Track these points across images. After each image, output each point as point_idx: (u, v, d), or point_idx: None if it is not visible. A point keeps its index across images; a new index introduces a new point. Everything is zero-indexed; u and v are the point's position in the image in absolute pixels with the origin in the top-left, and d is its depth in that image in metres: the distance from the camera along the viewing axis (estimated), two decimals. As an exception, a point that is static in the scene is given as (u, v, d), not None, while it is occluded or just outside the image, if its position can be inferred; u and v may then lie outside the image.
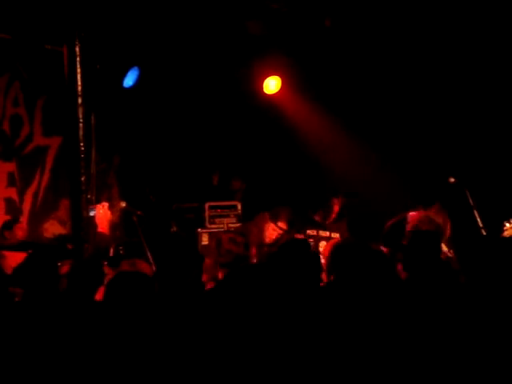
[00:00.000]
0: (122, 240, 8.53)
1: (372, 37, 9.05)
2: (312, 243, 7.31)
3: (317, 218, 7.71)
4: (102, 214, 5.72)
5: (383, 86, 9.39)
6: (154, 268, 6.39)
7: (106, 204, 5.81)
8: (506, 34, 8.39)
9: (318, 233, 7.59)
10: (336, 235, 7.56)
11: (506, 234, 6.87)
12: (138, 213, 8.15)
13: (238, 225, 8.54)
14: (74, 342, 3.88)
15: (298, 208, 8.18)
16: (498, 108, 8.87)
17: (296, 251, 4.70)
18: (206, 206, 9.18)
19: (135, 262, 4.56)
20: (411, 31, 8.77)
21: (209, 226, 9.04)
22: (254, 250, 7.09)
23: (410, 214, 6.78)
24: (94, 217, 5.76)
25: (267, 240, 7.44)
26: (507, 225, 6.81)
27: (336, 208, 7.81)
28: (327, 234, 7.61)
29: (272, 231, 7.41)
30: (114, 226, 8.36)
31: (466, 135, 9.09)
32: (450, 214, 7.64)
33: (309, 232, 7.56)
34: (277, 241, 7.35)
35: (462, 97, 9.02)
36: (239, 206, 9.13)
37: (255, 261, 6.90)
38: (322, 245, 7.43)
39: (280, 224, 7.41)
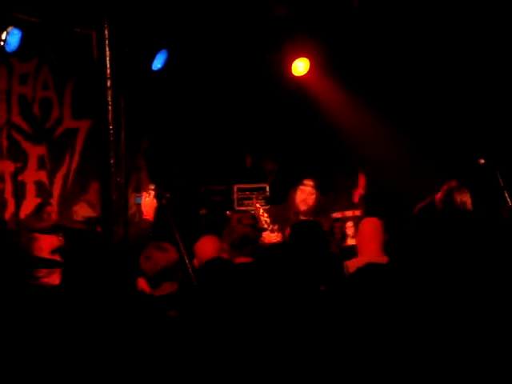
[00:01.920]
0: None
1: (400, 18, 8.98)
2: (338, 226, 7.32)
3: (343, 199, 7.71)
4: (148, 202, 5.97)
5: (411, 67, 9.32)
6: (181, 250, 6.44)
7: (152, 192, 5.97)
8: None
9: (343, 214, 7.57)
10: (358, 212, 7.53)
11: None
12: (167, 195, 8.19)
13: (266, 207, 8.55)
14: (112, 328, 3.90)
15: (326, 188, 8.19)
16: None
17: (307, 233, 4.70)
18: (235, 188, 9.20)
19: (160, 245, 4.59)
20: (440, 15, 8.70)
21: (237, 208, 9.06)
22: (287, 232, 7.15)
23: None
24: (140, 204, 5.91)
25: (302, 207, 7.45)
26: None
27: (362, 183, 7.80)
28: (351, 213, 7.58)
29: (301, 194, 7.46)
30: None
31: (496, 117, 9.02)
32: (480, 195, 7.64)
33: (335, 215, 7.55)
34: (314, 205, 7.40)
35: (492, 80, 8.94)
36: (268, 188, 9.14)
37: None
38: (349, 225, 7.41)
39: (306, 182, 7.45)
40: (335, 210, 7.59)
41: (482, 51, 8.89)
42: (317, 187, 7.55)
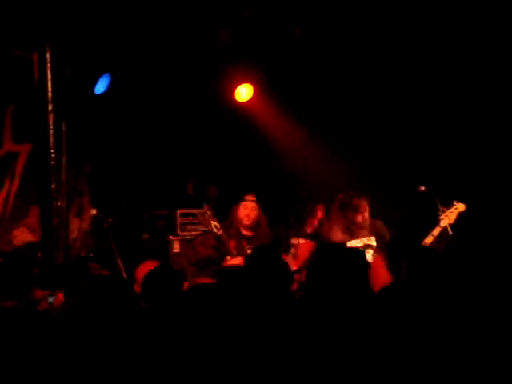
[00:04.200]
0: (93, 247, 8.50)
1: (342, 45, 9.11)
2: (293, 252, 7.35)
3: (300, 226, 7.75)
4: None
5: (353, 93, 9.44)
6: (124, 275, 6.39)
7: None
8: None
9: (298, 241, 7.61)
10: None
11: (442, 224, 7.06)
12: (109, 220, 8.15)
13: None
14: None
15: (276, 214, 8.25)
16: (468, 116, 8.96)
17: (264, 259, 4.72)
18: (178, 213, 9.17)
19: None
20: (380, 40, 8.85)
21: (180, 233, 9.03)
22: (232, 244, 7.19)
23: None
24: None
25: (245, 221, 7.52)
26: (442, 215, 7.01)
27: (320, 215, 7.86)
28: (297, 240, 7.62)
29: (244, 209, 7.53)
30: (84, 234, 8.36)
31: (438, 144, 9.17)
32: (420, 221, 7.77)
33: (293, 241, 7.58)
34: (257, 220, 7.47)
35: (432, 106, 9.09)
36: (210, 213, 9.11)
37: (235, 253, 7.00)
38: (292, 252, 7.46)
39: (248, 197, 7.51)
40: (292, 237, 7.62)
41: (416, 83, 9.06)
42: (259, 202, 7.65)
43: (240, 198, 7.72)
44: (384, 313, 3.96)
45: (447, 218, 7.23)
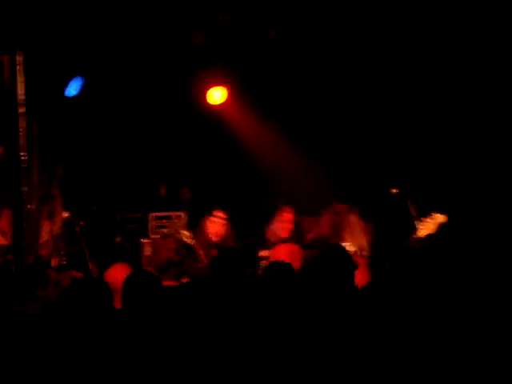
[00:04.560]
0: (65, 250, 8.46)
1: (316, 48, 9.14)
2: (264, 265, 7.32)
3: (269, 236, 7.74)
4: None
5: (326, 95, 9.47)
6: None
7: None
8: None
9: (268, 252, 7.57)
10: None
11: (420, 233, 7.08)
12: (81, 223, 8.12)
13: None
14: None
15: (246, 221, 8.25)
16: (440, 118, 9.02)
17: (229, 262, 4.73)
18: (150, 216, 9.15)
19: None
20: (353, 42, 8.90)
21: (152, 236, 9.00)
22: (202, 252, 7.18)
23: None
24: None
25: (214, 238, 7.52)
26: (421, 225, 7.03)
27: (288, 217, 7.83)
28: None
29: (212, 226, 7.51)
30: (56, 237, 8.32)
31: (409, 146, 9.21)
32: (391, 223, 7.81)
33: (262, 253, 7.56)
34: (225, 236, 7.46)
35: (403, 107, 9.14)
36: (184, 216, 9.11)
37: (205, 262, 6.99)
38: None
39: (217, 213, 7.50)
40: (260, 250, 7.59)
41: (393, 83, 9.11)
42: (227, 219, 7.64)
43: (209, 213, 7.69)
44: (364, 311, 4.05)
45: (426, 227, 7.21)
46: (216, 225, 7.61)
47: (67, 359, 3.78)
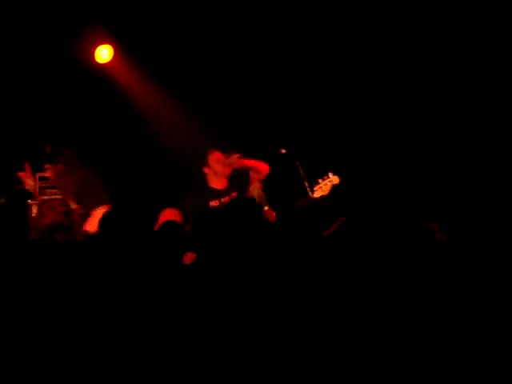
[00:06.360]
0: None
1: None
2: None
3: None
4: None
5: (217, 53, 9.46)
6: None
7: None
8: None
9: (220, 202, 7.44)
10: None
11: (315, 194, 7.20)
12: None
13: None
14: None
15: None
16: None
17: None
18: (36, 176, 8.93)
19: None
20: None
21: (39, 197, 8.79)
22: None
23: None
24: None
25: None
26: (316, 187, 7.15)
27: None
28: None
29: None
30: None
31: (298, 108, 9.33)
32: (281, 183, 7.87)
33: (212, 203, 7.44)
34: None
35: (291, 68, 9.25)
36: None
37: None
38: None
39: None
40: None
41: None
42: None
43: None
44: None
45: (321, 189, 7.31)
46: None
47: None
